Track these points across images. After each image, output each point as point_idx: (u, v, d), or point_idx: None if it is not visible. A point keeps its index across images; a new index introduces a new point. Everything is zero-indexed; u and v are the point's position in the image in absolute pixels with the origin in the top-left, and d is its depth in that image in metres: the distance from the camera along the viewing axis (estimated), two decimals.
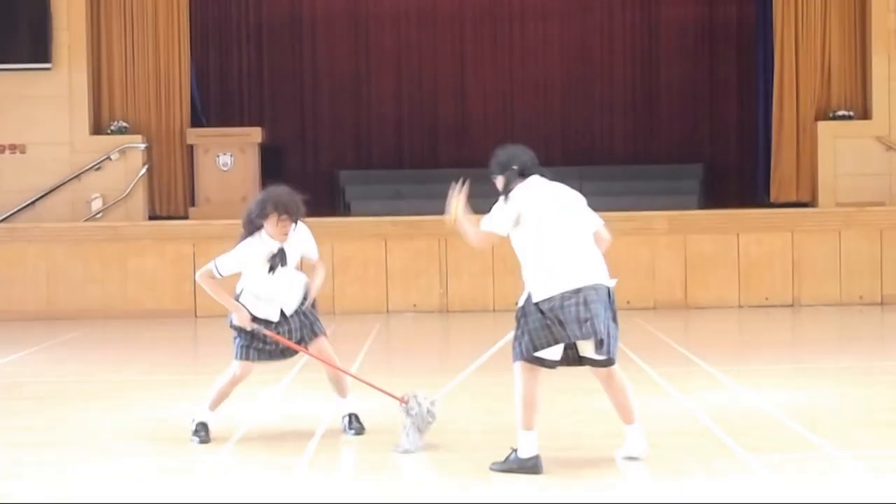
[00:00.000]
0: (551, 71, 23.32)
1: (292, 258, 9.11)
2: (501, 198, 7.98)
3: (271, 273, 8.99)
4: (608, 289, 7.88)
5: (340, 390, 9.38)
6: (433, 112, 23.16)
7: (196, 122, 20.32)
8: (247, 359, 9.09)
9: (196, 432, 9.04)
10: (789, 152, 19.70)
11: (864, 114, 19.49)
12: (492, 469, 7.86)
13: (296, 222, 9.10)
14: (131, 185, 19.10)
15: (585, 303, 7.72)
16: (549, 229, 7.83)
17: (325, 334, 9.35)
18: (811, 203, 19.35)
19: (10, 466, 8.30)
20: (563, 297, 7.73)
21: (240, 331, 9.07)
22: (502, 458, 7.89)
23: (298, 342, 9.17)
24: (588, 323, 7.71)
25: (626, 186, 20.04)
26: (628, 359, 12.58)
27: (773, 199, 19.71)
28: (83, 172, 19.09)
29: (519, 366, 7.90)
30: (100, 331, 16.57)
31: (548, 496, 7.28)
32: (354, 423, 9.26)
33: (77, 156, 19.19)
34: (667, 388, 10.72)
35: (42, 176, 18.99)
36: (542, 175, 8.07)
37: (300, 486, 7.68)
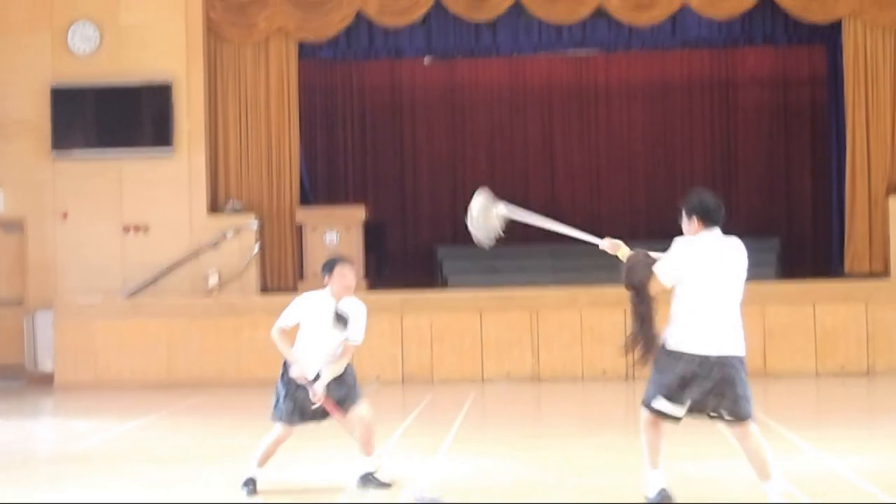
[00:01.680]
0: (635, 150, 23.36)
1: (350, 324, 9.23)
2: (676, 239, 8.00)
3: (333, 327, 9.11)
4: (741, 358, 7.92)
5: (368, 452, 9.45)
6: (524, 190, 23.22)
7: (305, 201, 20.57)
8: (290, 424, 9.32)
9: (245, 484, 9.31)
10: (862, 225, 19.53)
11: None
12: None
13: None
14: (246, 262, 19.33)
15: (724, 380, 7.77)
16: (697, 289, 7.83)
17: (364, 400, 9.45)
18: (884, 274, 19.13)
19: None
20: (703, 362, 7.72)
21: (286, 394, 9.21)
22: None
23: (339, 404, 9.26)
24: (741, 403, 7.80)
25: None
26: (712, 424, 12.50)
27: (847, 270, 19.52)
28: (201, 250, 19.36)
29: (643, 416, 8.03)
30: (215, 398, 16.72)
31: None
32: (373, 479, 9.41)
33: (195, 234, 19.47)
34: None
35: (163, 254, 19.28)
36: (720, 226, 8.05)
37: None
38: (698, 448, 11.04)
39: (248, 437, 12.94)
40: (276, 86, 19.92)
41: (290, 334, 9.39)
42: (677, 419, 7.96)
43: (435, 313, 18.10)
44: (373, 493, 9.26)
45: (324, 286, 9.42)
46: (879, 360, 17.63)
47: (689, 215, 8.06)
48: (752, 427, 8.01)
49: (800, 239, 22.40)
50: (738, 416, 7.87)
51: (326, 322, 9.25)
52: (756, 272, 19.07)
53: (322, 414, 9.35)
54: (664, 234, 24.17)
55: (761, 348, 17.32)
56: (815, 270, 20.93)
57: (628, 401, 15.94)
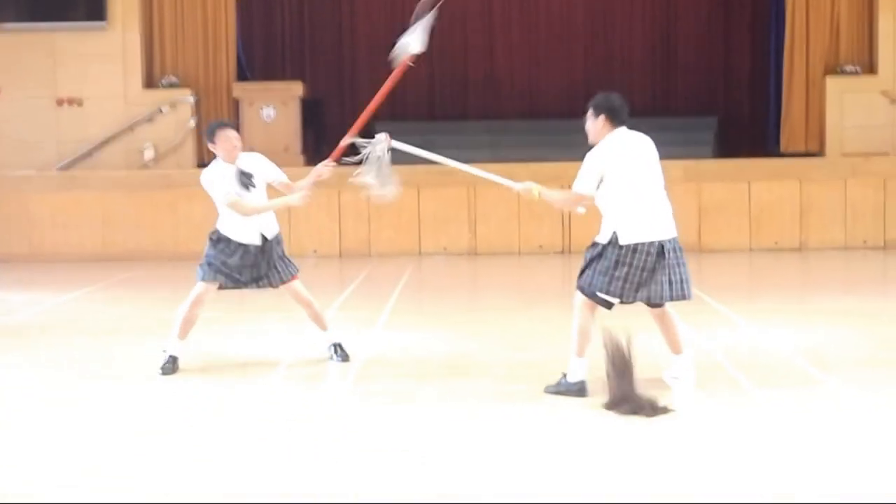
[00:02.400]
0: (574, 27, 23.14)
1: (258, 180, 9.17)
2: (587, 154, 7.99)
3: (246, 191, 9.02)
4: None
5: (321, 326, 9.43)
6: (463, 66, 23.05)
7: (241, 76, 20.31)
8: (213, 281, 9.18)
9: (164, 365, 9.10)
10: (799, 105, 19.55)
11: (871, 69, 19.29)
12: (546, 392, 8.00)
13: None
14: (181, 136, 19.12)
15: (677, 264, 7.89)
16: (631, 183, 7.87)
17: (297, 276, 9.36)
18: (819, 153, 19.22)
19: (66, 392, 8.37)
20: (650, 250, 7.78)
21: (214, 256, 9.16)
22: (554, 382, 8.01)
23: (271, 283, 9.28)
24: (678, 285, 7.89)
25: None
26: None
27: (783, 149, 19.58)
28: (136, 124, 19.11)
29: (581, 300, 7.95)
30: (152, 272, 16.63)
31: (584, 417, 7.28)
32: (340, 352, 9.38)
33: (131, 108, 19.21)
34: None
35: (98, 127, 19.04)
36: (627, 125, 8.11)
37: (340, 411, 7.69)
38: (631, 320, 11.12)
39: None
40: None
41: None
42: (611, 305, 8.00)
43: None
44: (334, 364, 9.23)
45: (214, 156, 9.25)
46: (812, 237, 17.80)
47: (597, 113, 8.11)
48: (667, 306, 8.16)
49: (737, 118, 22.40)
50: (682, 297, 7.94)
51: (236, 187, 9.09)
52: (693, 150, 19.40)
53: (250, 281, 9.25)
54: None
55: (696, 224, 17.43)
56: (751, 149, 20.96)
57: (564, 275, 16.00)
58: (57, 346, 10.46)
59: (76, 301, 13.84)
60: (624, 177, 7.88)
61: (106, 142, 19.03)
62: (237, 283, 9.26)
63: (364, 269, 16.20)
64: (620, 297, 7.90)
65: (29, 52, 19.09)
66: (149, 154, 19.04)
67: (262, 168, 9.27)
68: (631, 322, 8.01)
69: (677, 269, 7.93)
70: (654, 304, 8.10)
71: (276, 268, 9.28)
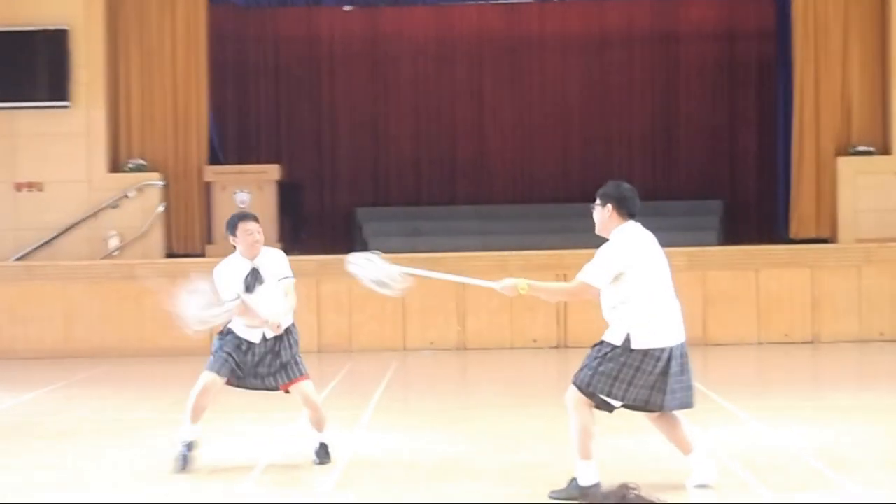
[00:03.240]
0: (570, 107, 23.36)
1: (268, 277, 9.22)
2: (603, 248, 8.02)
3: (248, 293, 9.09)
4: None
5: (319, 430, 9.42)
6: (451, 148, 23.22)
7: (214, 159, 20.39)
8: (219, 372, 9.19)
9: (177, 457, 9.18)
10: (809, 188, 19.67)
11: (885, 149, 19.44)
12: (551, 497, 7.92)
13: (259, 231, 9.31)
14: (148, 223, 19.16)
15: (681, 371, 7.92)
16: (649, 284, 7.92)
17: (306, 377, 9.37)
18: (831, 239, 19.30)
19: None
20: (661, 356, 7.82)
21: (220, 347, 9.22)
22: (562, 487, 7.95)
23: (277, 384, 9.31)
24: (683, 392, 7.95)
25: (645, 222, 19.76)
26: None
27: (792, 235, 19.66)
28: (100, 210, 19.15)
29: (577, 397, 7.93)
30: (116, 369, 16.59)
31: None
32: (322, 453, 9.35)
33: (95, 194, 19.25)
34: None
35: (59, 214, 19.05)
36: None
37: None
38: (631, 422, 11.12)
39: (151, 410, 12.89)
40: (184, 34, 19.67)
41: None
42: (612, 409, 8.00)
43: (354, 279, 18.00)
44: (313, 467, 9.20)
45: (232, 247, 9.35)
46: (824, 329, 17.81)
47: (604, 202, 8.13)
48: None
49: (743, 202, 22.56)
50: (687, 406, 8.02)
51: (238, 288, 9.16)
52: (697, 236, 19.53)
53: (253, 378, 9.26)
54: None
55: (701, 315, 17.44)
56: (758, 235, 21.08)
57: (560, 370, 15.98)
58: (13, 451, 10.39)
59: (35, 402, 13.79)
60: (642, 276, 7.92)
61: (68, 229, 19.04)
62: (240, 381, 9.28)
63: (345, 365, 16.18)
64: (623, 400, 7.90)
65: None
66: (114, 243, 19.06)
67: (279, 267, 9.35)
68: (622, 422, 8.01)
69: (681, 378, 7.95)
70: (652, 411, 8.09)
71: (284, 368, 9.29)
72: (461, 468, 9.21)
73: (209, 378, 9.23)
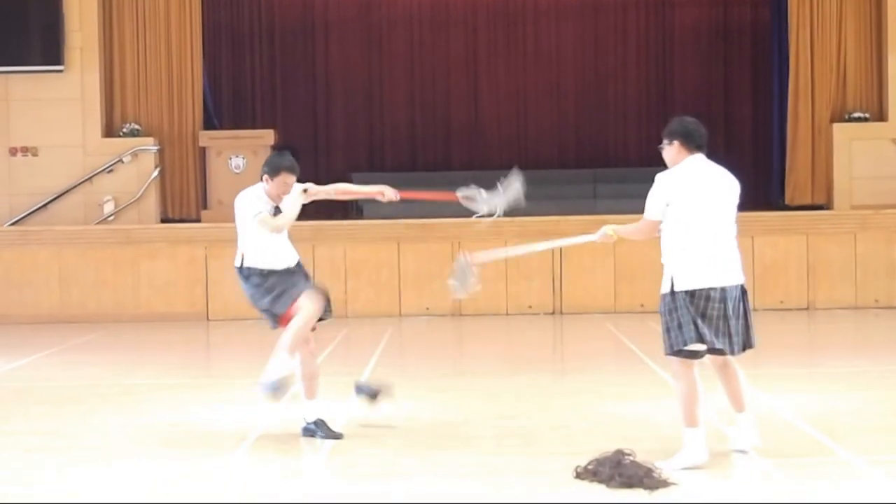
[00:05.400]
0: (565, 73, 23.30)
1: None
2: (657, 175, 8.02)
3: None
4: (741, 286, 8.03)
5: (310, 395, 9.37)
6: (446, 115, 23.16)
7: (209, 124, 20.36)
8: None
9: (322, 432, 9.11)
10: (804, 155, 19.67)
11: (880, 115, 19.44)
12: (666, 467, 7.72)
13: None
14: (143, 188, 19.14)
15: (743, 313, 7.94)
16: (692, 221, 7.85)
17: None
18: (826, 205, 19.32)
19: (23, 470, 8.30)
20: (711, 295, 7.77)
21: (254, 292, 9.20)
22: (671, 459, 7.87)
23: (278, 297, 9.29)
24: (748, 334, 7.98)
25: (640, 189, 19.88)
26: (643, 362, 12.60)
27: (787, 201, 19.68)
28: (95, 175, 19.13)
29: (673, 366, 8.00)
30: (112, 334, 16.59)
31: (582, 493, 7.25)
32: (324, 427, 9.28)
33: (89, 158, 19.23)
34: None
35: (54, 179, 19.04)
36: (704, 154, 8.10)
37: (314, 488, 7.67)
38: (626, 388, 11.15)
39: (147, 375, 12.89)
40: None
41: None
42: (700, 354, 7.97)
43: (349, 244, 18.07)
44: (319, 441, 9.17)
45: (262, 182, 9.29)
46: (820, 295, 17.85)
47: (671, 139, 8.08)
48: (731, 357, 8.14)
49: (738, 168, 22.23)
50: (747, 346, 8.01)
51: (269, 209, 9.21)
52: None
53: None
54: (594, 162, 24.42)
55: None
56: (754, 201, 21.01)
57: (555, 337, 16.02)
58: (10, 417, 10.39)
59: (31, 367, 13.79)
60: (685, 211, 7.85)
61: (62, 194, 19.03)
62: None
63: (341, 331, 16.18)
64: (698, 341, 7.82)
65: None
66: (108, 207, 19.04)
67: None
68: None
69: (737, 322, 7.89)
70: (717, 351, 8.01)
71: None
72: (457, 435, 9.21)
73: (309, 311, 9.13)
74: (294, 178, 9.31)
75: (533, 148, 22.71)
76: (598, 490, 7.33)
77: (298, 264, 9.38)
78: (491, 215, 9.15)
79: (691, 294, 7.77)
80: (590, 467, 7.60)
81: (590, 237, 8.49)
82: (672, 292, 7.84)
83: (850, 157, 19.22)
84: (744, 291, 8.03)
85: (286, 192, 9.24)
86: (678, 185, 7.92)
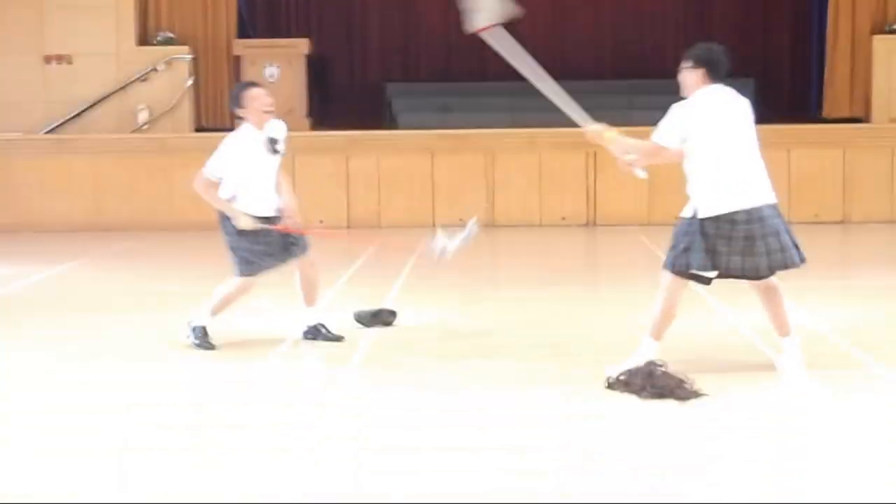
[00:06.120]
0: None
1: (281, 146, 9.17)
2: (673, 106, 7.92)
3: (273, 155, 9.06)
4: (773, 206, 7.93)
5: (311, 302, 9.45)
6: None
7: (243, 33, 20.31)
8: (251, 275, 9.17)
9: (198, 338, 9.16)
10: (843, 67, 19.52)
11: None
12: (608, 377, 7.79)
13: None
14: (178, 97, 19.15)
15: (777, 232, 7.84)
16: (715, 149, 7.80)
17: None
18: (864, 118, 19.18)
19: (57, 376, 8.39)
20: (736, 219, 7.72)
21: (238, 245, 9.11)
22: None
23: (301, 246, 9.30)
24: (778, 254, 7.85)
25: (677, 101, 19.85)
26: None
27: (825, 114, 19.56)
28: (129, 84, 19.15)
29: (667, 279, 7.96)
30: (146, 242, 16.68)
31: (613, 401, 7.29)
32: (323, 331, 9.40)
33: (123, 67, 19.24)
34: (712, 302, 10.69)
35: (88, 87, 19.07)
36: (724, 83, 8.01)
37: (349, 385, 7.73)
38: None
39: (181, 283, 12.97)
40: None
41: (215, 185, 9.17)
42: (709, 281, 7.98)
43: (383, 155, 18.05)
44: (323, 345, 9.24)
45: (240, 120, 9.22)
46: (855, 209, 17.77)
47: (697, 66, 7.95)
48: (774, 279, 8.09)
49: (776, 80, 22.35)
50: (788, 265, 7.94)
51: (262, 154, 9.08)
52: None
53: (287, 249, 9.22)
54: (630, 72, 24.19)
55: None
56: (791, 114, 20.92)
57: (588, 249, 16.03)
58: (45, 325, 10.49)
59: (65, 275, 13.90)
60: (708, 141, 7.79)
61: (97, 103, 19.07)
62: (274, 261, 9.25)
63: (374, 241, 16.21)
64: (711, 269, 7.84)
65: (13, 5, 19.12)
66: (143, 116, 19.08)
67: (284, 136, 9.27)
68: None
69: (769, 240, 7.82)
70: (753, 277, 8.02)
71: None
72: (489, 345, 9.25)
73: (242, 283, 9.18)
74: (259, 89, 9.17)
75: (570, 58, 22.55)
76: (630, 401, 7.37)
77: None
78: (442, 254, 9.14)
79: (716, 219, 7.74)
80: (622, 378, 7.65)
81: (590, 125, 8.22)
82: (694, 217, 7.82)
83: (889, 70, 19.04)
84: (775, 210, 7.95)
85: (268, 104, 9.10)
86: (695, 120, 7.84)
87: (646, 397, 7.41)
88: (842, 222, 17.69)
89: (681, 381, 7.52)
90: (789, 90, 22.34)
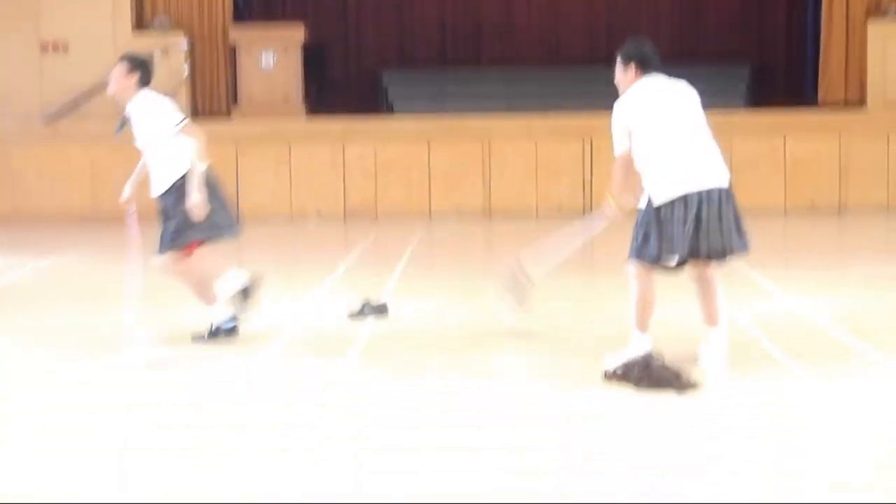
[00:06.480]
0: None
1: (137, 127, 9.29)
2: (613, 108, 7.97)
3: (118, 131, 9.15)
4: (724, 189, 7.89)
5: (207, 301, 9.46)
6: (477, 10, 22.96)
7: (238, 18, 20.26)
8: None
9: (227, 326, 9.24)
10: (838, 51, 19.49)
11: None
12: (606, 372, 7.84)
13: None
14: (177, 83, 19.10)
15: (721, 217, 7.80)
16: (660, 137, 7.81)
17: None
18: (860, 104, 19.15)
19: (57, 376, 8.37)
20: (688, 203, 7.70)
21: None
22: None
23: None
24: (732, 237, 7.87)
25: None
26: None
27: (821, 99, 19.54)
28: None
29: (632, 269, 7.97)
30: (143, 232, 16.60)
31: (610, 394, 7.29)
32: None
33: (119, 53, 19.08)
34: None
35: (85, 74, 18.97)
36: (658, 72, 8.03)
37: (349, 385, 7.72)
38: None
39: None
40: None
41: None
42: (671, 268, 7.97)
43: (379, 143, 18.03)
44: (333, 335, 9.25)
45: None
46: (852, 196, 17.75)
47: (627, 61, 8.02)
48: (712, 268, 8.08)
49: (771, 65, 22.33)
50: (731, 252, 7.94)
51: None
52: (724, 101, 19.39)
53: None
54: None
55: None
56: (786, 99, 20.91)
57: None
58: (41, 315, 10.48)
59: (62, 265, 13.87)
60: (650, 131, 7.81)
61: (94, 90, 18.99)
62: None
63: (370, 231, 16.21)
64: (668, 256, 7.81)
65: None
66: None
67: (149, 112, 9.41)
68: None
69: (720, 223, 7.79)
70: (703, 258, 7.98)
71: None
72: (483, 336, 9.25)
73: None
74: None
75: (564, 44, 22.53)
76: (630, 401, 7.36)
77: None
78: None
79: (670, 205, 7.74)
80: (619, 370, 7.65)
81: (605, 218, 8.30)
82: (649, 206, 7.83)
83: (884, 56, 18.99)
84: (728, 194, 7.91)
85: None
86: (634, 110, 7.88)
87: (643, 388, 7.42)
88: (838, 210, 17.66)
89: (677, 373, 7.54)
90: (784, 76, 22.31)
